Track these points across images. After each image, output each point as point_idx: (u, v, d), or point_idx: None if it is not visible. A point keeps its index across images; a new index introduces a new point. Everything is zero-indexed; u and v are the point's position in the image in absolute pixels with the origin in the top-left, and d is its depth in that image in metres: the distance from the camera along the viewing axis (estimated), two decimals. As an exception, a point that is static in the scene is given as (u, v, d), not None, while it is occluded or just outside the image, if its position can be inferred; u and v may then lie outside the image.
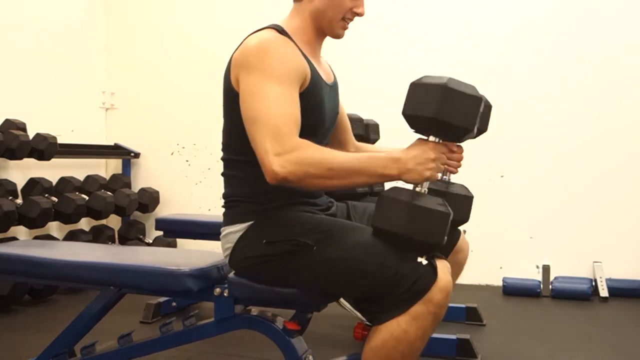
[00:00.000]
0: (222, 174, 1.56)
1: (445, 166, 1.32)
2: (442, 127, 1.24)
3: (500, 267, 3.63)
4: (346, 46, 3.96)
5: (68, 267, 1.62)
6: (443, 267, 1.27)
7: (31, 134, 3.34)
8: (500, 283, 3.52)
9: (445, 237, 1.25)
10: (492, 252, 3.67)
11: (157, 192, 4.18)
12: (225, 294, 1.49)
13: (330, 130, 1.62)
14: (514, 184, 3.65)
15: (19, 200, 3.27)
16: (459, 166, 1.51)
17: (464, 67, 3.74)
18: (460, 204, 1.63)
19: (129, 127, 4.37)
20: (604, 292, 3.31)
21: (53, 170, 3.71)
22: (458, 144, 1.34)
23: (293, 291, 1.40)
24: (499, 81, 3.68)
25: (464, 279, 3.73)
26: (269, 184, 1.30)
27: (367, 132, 2.87)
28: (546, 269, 3.46)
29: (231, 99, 1.44)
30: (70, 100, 4.06)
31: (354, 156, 1.34)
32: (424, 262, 1.25)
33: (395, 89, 3.84)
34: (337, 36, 1.57)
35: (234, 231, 1.46)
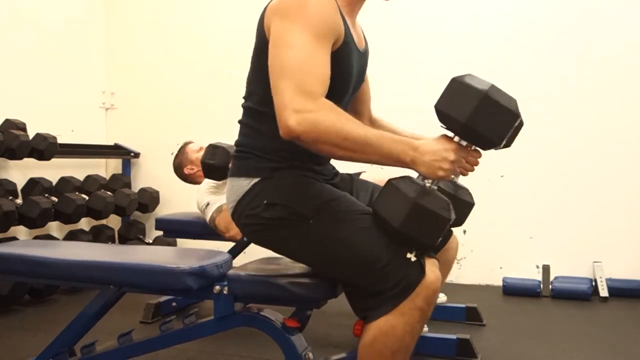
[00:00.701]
0: (239, 122, 1.52)
1: (461, 169, 1.31)
2: (470, 133, 1.21)
3: (500, 267, 3.63)
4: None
5: (68, 266, 1.61)
6: (432, 264, 1.27)
7: (31, 134, 3.34)
8: (500, 283, 3.51)
9: (440, 240, 1.25)
10: (492, 252, 3.67)
11: (157, 192, 4.18)
12: (224, 292, 1.49)
13: (352, 96, 1.58)
14: (514, 184, 3.65)
15: (19, 200, 3.27)
16: (472, 170, 1.51)
17: (464, 67, 3.72)
18: (462, 209, 1.62)
19: (129, 127, 4.37)
20: (604, 292, 3.31)
21: (53, 170, 3.71)
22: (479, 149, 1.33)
23: (293, 288, 1.40)
24: (499, 81, 3.62)
25: (464, 279, 3.76)
26: (283, 142, 1.26)
27: None
28: (546, 269, 3.46)
29: (261, 47, 1.38)
30: (70, 100, 4.06)
31: (373, 132, 1.26)
32: (413, 258, 1.25)
33: (395, 89, 3.86)
34: None
35: (240, 185, 1.44)
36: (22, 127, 3.36)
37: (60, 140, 3.55)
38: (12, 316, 2.84)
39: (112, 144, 4.35)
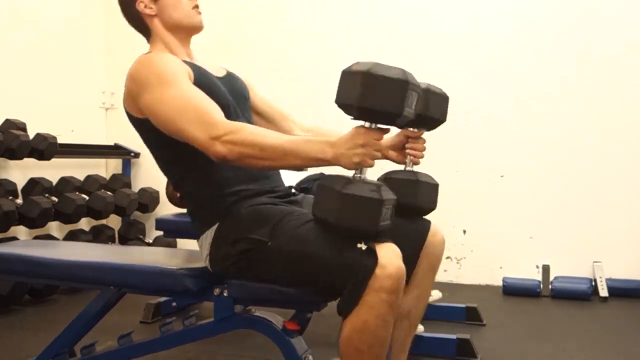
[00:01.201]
0: (180, 197, 1.60)
1: (411, 157, 1.47)
2: (368, 113, 1.23)
3: (500, 267, 3.64)
4: (346, 48, 3.97)
5: (68, 267, 1.62)
6: (389, 251, 1.26)
7: (31, 134, 3.34)
8: (500, 283, 3.52)
9: (382, 223, 1.25)
10: (492, 252, 3.67)
11: (157, 192, 4.18)
12: (225, 294, 1.48)
13: (243, 111, 1.64)
14: (514, 184, 3.65)
15: (19, 200, 3.27)
16: (422, 156, 1.63)
17: (464, 67, 3.74)
18: (428, 192, 1.64)
19: (129, 127, 4.34)
20: (603, 292, 3.31)
21: (53, 170, 3.71)
22: (418, 131, 1.45)
23: (293, 291, 1.40)
24: (499, 81, 3.68)
25: (464, 279, 3.76)
26: (222, 183, 1.41)
27: None
28: (546, 269, 3.46)
29: (146, 128, 1.51)
30: (70, 100, 4.06)
31: (288, 138, 1.34)
32: (364, 247, 1.26)
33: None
34: (198, 24, 1.66)
35: (206, 237, 1.50)
36: (22, 127, 3.36)
37: (60, 140, 3.55)
38: (12, 316, 2.84)
39: (112, 144, 4.35)
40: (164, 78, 1.42)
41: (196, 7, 1.64)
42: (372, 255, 1.24)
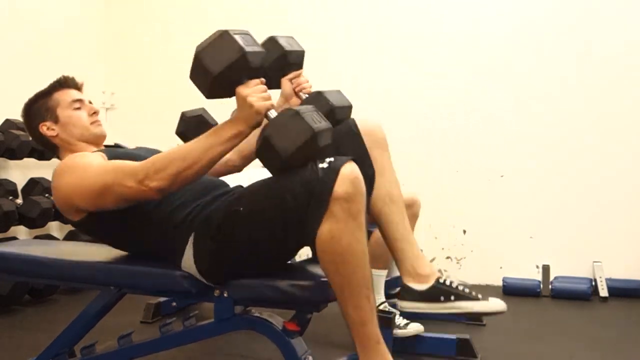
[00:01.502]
0: (145, 252, 1.62)
1: (302, 92, 1.65)
2: (224, 77, 1.35)
3: (500, 267, 3.63)
4: (346, 47, 3.96)
5: (68, 267, 1.62)
6: (342, 161, 1.32)
7: (31, 134, 3.34)
8: (500, 283, 3.51)
9: (316, 125, 1.34)
10: (492, 252, 3.67)
11: (157, 192, 4.18)
12: (225, 295, 1.48)
13: None
14: (514, 184, 3.65)
15: (19, 200, 3.27)
16: (310, 86, 1.79)
17: (464, 67, 3.74)
18: (333, 94, 1.77)
19: (129, 127, 4.37)
20: (603, 292, 3.31)
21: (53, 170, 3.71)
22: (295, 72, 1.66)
23: (293, 291, 1.40)
24: (499, 81, 3.68)
25: (464, 279, 3.75)
26: (176, 214, 1.49)
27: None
28: (546, 269, 3.46)
29: (92, 222, 1.55)
30: (70, 100, 4.06)
31: (198, 138, 1.42)
32: (325, 165, 1.32)
33: (397, 89, 3.86)
34: (100, 134, 1.77)
35: (187, 259, 1.48)
36: (22, 127, 3.35)
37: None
38: (12, 316, 2.84)
39: (112, 144, 4.34)
40: (81, 166, 1.52)
41: (95, 121, 1.75)
42: (331, 170, 1.30)
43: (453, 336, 2.27)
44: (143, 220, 1.53)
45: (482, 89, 3.70)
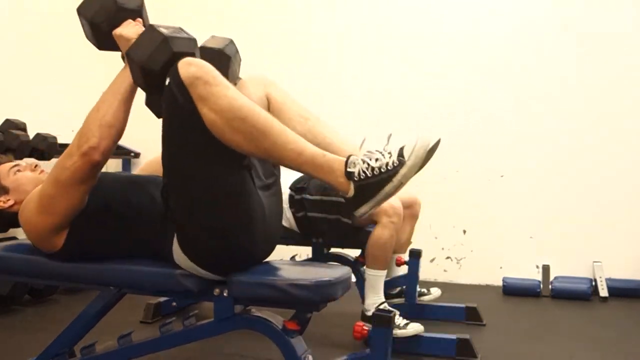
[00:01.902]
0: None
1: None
2: (96, 27, 1.58)
3: (500, 267, 3.64)
4: (346, 49, 3.97)
5: (68, 267, 1.61)
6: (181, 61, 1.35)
7: (31, 134, 3.34)
8: (500, 283, 3.52)
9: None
10: (492, 252, 3.68)
11: (157, 192, 4.18)
12: (225, 294, 1.48)
13: None
14: (514, 184, 3.66)
15: (19, 200, 3.26)
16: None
17: (464, 67, 3.74)
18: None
19: (129, 127, 4.34)
20: (603, 292, 3.31)
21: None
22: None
23: (293, 291, 1.40)
24: (499, 81, 3.68)
25: (464, 279, 3.76)
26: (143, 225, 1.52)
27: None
28: (546, 269, 3.46)
29: (72, 246, 1.54)
30: (70, 100, 4.06)
31: (101, 96, 1.55)
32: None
33: (397, 89, 3.86)
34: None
35: (179, 255, 1.47)
36: (22, 127, 3.35)
37: (60, 140, 3.54)
38: (12, 316, 2.84)
39: (112, 143, 4.35)
40: (34, 191, 1.57)
41: (41, 171, 1.78)
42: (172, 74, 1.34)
43: (453, 336, 2.27)
44: (125, 229, 1.54)
45: (482, 89, 3.70)
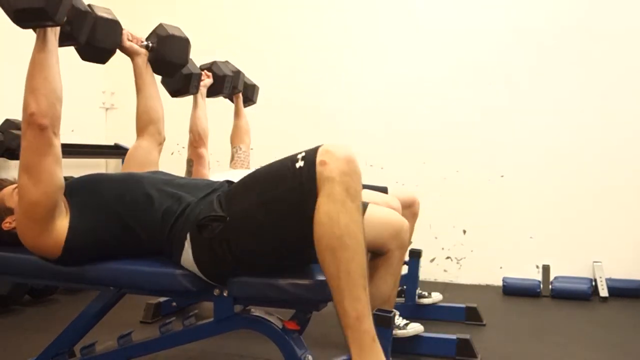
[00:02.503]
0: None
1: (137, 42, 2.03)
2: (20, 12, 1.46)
3: (500, 267, 3.64)
4: (346, 49, 3.97)
5: (67, 267, 1.61)
6: (330, 144, 1.30)
7: (31, 134, 3.34)
8: (500, 283, 3.52)
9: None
10: (492, 252, 3.67)
11: (157, 192, 4.18)
12: (224, 294, 1.48)
13: None
14: (514, 184, 3.65)
15: (19, 200, 3.26)
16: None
17: (464, 67, 3.74)
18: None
19: (129, 127, 4.33)
20: (603, 292, 3.31)
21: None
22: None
23: (293, 290, 1.40)
24: (499, 81, 3.68)
25: (464, 279, 3.76)
26: (163, 213, 1.50)
27: (246, 91, 3.14)
28: (546, 269, 3.46)
29: (71, 245, 1.51)
30: (70, 100, 4.03)
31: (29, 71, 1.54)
32: (301, 163, 1.30)
33: (398, 89, 3.86)
34: None
35: (187, 258, 1.46)
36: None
37: (60, 140, 3.54)
38: (12, 316, 2.84)
39: (112, 144, 4.35)
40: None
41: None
42: (310, 162, 1.28)
43: (453, 336, 2.26)
44: (132, 227, 1.53)
45: (482, 89, 3.70)
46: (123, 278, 1.57)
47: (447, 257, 3.78)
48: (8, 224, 1.65)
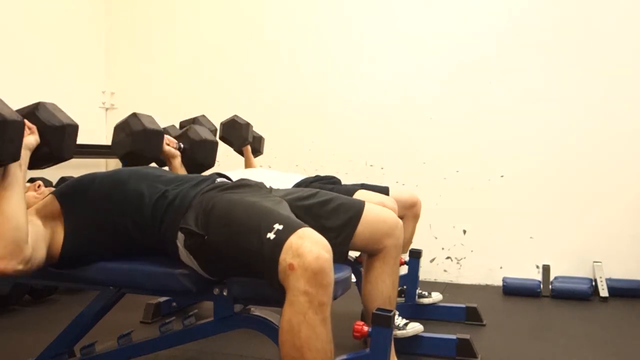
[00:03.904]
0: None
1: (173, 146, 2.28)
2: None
3: (500, 267, 3.64)
4: (346, 49, 3.97)
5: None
6: (312, 243, 1.22)
7: (31, 134, 3.34)
8: (500, 283, 3.52)
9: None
10: (492, 252, 3.67)
11: (157, 192, 4.18)
12: (224, 294, 1.48)
13: None
14: (514, 184, 3.65)
15: (19, 200, 3.25)
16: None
17: (464, 67, 3.74)
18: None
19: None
20: (604, 292, 3.31)
21: (53, 170, 3.69)
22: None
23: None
24: (498, 81, 3.68)
25: (464, 279, 3.77)
26: (153, 209, 1.49)
27: (253, 142, 3.20)
28: (546, 269, 3.46)
29: (69, 249, 1.51)
30: (70, 100, 4.06)
31: None
32: (272, 236, 1.25)
33: (398, 89, 3.86)
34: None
35: (183, 252, 1.46)
36: (22, 127, 3.36)
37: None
38: (12, 316, 2.84)
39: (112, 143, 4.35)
40: None
41: (39, 187, 1.74)
42: (276, 245, 1.23)
43: (453, 336, 2.26)
44: (127, 231, 1.52)
45: (482, 89, 3.70)
46: (123, 278, 1.57)
47: (447, 257, 3.78)
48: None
